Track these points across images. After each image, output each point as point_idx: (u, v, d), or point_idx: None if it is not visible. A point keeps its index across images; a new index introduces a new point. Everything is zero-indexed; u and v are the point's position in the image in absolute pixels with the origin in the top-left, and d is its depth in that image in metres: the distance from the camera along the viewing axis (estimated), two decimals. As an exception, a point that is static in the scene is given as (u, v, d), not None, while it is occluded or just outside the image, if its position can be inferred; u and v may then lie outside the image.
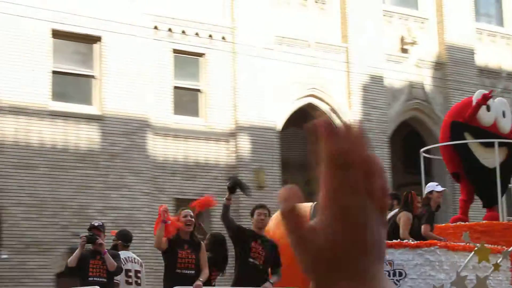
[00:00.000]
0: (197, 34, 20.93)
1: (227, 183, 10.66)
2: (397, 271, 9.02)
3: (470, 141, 11.55)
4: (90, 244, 10.45)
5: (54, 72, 19.17)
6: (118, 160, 18.94)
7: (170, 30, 20.76)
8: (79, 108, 19.47)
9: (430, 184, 12.10)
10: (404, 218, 10.17)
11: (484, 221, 11.32)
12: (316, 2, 22.88)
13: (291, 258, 10.73)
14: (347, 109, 22.23)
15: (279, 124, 21.08)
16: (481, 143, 11.80)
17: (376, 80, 22.74)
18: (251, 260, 9.81)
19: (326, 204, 1.11)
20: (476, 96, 12.11)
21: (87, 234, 10.43)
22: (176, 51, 20.30)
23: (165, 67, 20.41)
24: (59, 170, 18.46)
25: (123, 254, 11.11)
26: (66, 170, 18.41)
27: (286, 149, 21.63)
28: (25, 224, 17.89)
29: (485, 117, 11.77)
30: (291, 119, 21.35)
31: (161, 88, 20.27)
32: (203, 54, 21.15)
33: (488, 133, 11.68)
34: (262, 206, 10.65)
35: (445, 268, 8.87)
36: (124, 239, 11.34)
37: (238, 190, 10.68)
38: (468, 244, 9.28)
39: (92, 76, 19.86)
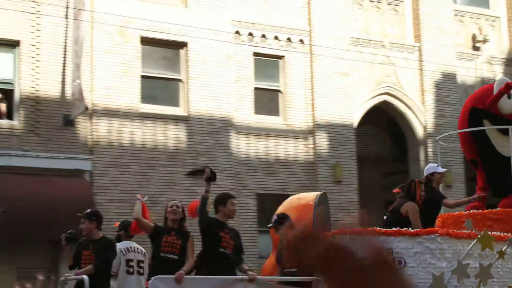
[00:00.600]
0: (276, 37, 20.94)
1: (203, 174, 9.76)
2: (396, 259, 8.34)
3: (484, 127, 10.73)
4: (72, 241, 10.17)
5: (143, 77, 19.42)
6: (203, 158, 18.94)
7: (250, 34, 20.72)
8: (167, 110, 19.56)
9: (430, 165, 11.59)
10: (412, 211, 9.52)
11: (498, 209, 10.49)
12: (390, 4, 22.76)
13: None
14: (421, 106, 22.07)
15: (355, 121, 21.04)
16: (500, 131, 10.95)
17: (449, 78, 22.53)
18: (221, 249, 9.19)
19: None
20: (498, 84, 11.37)
21: (66, 234, 10.06)
22: (256, 54, 20.42)
23: (246, 69, 20.45)
24: (149, 168, 18.70)
25: (124, 244, 10.72)
26: (156, 168, 18.62)
27: (362, 145, 21.61)
28: (119, 219, 18.08)
29: (505, 104, 10.95)
30: (367, 116, 21.33)
31: (242, 89, 20.30)
32: (282, 56, 21.15)
33: (508, 121, 10.88)
34: (234, 196, 10.02)
35: (447, 256, 8.28)
36: (126, 229, 10.89)
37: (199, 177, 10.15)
38: (471, 231, 8.63)
39: (179, 80, 19.98)
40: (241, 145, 19.47)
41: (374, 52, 21.68)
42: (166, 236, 9.26)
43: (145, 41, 19.38)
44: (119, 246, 10.81)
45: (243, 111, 19.95)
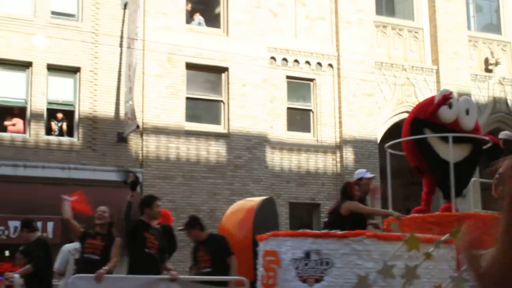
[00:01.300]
0: (307, 62, 20.99)
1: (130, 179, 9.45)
2: (324, 260, 7.92)
3: (425, 135, 10.02)
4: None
5: (188, 98, 19.54)
6: (241, 170, 19.18)
7: (284, 59, 20.80)
8: (209, 128, 19.69)
9: (359, 171, 11.12)
10: (354, 205, 9.01)
11: (437, 213, 10.00)
12: (410, 31, 22.90)
13: (239, 248, 9.08)
14: (438, 123, 21.61)
15: (378, 137, 21.12)
16: (442, 139, 10.20)
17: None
18: (147, 250, 8.82)
19: (502, 235, 1.46)
20: (439, 95, 10.80)
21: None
22: (289, 77, 20.57)
23: (281, 91, 20.60)
24: (193, 179, 18.88)
25: (73, 245, 10.28)
26: (198, 179, 18.75)
27: (384, 159, 21.12)
28: (166, 226, 18.28)
29: (446, 114, 10.24)
30: (389, 132, 21.27)
31: (277, 109, 20.46)
32: (313, 79, 21.22)
33: (448, 129, 10.20)
34: (159, 198, 9.73)
35: (374, 257, 7.74)
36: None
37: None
38: (400, 234, 8.21)
39: (220, 101, 20.13)
40: (275, 159, 19.67)
41: (396, 75, 21.77)
42: (91, 239, 9.09)
43: (190, 66, 19.47)
44: (68, 247, 10.56)
45: (277, 128, 20.08)
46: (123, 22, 19.17)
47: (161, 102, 19.01)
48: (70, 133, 18.66)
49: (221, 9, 20.68)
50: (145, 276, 9.00)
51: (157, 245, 8.79)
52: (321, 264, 7.98)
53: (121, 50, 18.91)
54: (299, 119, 20.61)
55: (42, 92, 18.32)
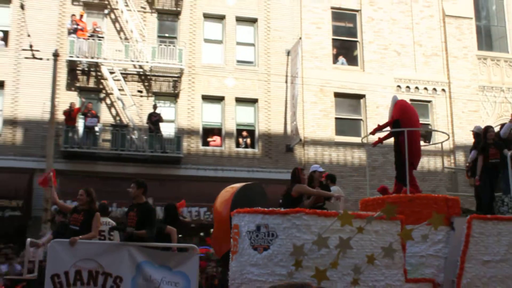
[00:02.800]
0: (425, 88, 22.70)
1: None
2: (270, 232, 8.20)
3: (403, 129, 10.21)
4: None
5: (337, 118, 21.71)
6: (378, 170, 20.84)
7: (407, 87, 22.70)
8: (352, 139, 21.65)
9: (314, 165, 11.11)
10: (302, 188, 9.00)
11: (393, 194, 10.12)
12: (506, 61, 23.98)
13: (221, 223, 9.74)
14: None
15: None
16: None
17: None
18: (129, 228, 8.86)
19: None
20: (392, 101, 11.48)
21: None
22: (412, 100, 20.96)
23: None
24: (342, 178, 18.98)
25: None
26: (346, 178, 20.24)
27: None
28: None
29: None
30: None
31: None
32: (430, 101, 22.84)
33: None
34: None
35: (313, 231, 7.83)
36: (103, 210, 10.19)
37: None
38: (338, 212, 8.23)
39: (360, 119, 22.28)
40: (403, 161, 21.21)
41: (495, 95, 23.15)
42: (76, 214, 9.05)
43: (337, 95, 21.89)
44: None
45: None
46: (287, 65, 21.89)
47: (316, 122, 21.42)
48: (252, 145, 21.25)
49: (358, 52, 22.86)
50: (108, 242, 9.60)
51: (135, 221, 8.77)
52: (268, 235, 8.18)
53: (286, 85, 21.54)
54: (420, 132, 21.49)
55: (232, 117, 21.04)
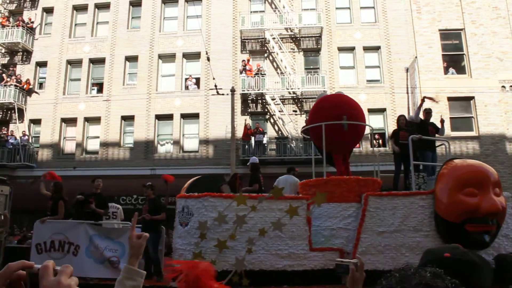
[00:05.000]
0: None
1: None
2: (190, 212, 8.84)
3: (339, 121, 10.20)
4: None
5: (451, 117, 23.67)
6: (489, 158, 22.67)
7: (511, 86, 23.75)
8: (466, 134, 23.51)
9: (252, 157, 12.08)
10: (226, 189, 10.02)
11: (313, 178, 10.33)
12: None
13: None
14: None
15: None
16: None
17: None
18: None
19: None
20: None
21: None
22: None
23: (511, 106, 23.42)
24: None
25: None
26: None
27: None
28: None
29: None
30: None
31: (509, 117, 23.19)
32: None
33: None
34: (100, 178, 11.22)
35: (219, 210, 8.17)
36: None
37: None
38: (232, 193, 9.24)
39: (471, 117, 23.95)
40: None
41: None
42: (50, 201, 10.53)
43: (450, 99, 23.55)
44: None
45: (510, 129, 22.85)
46: (406, 79, 24.27)
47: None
48: (384, 145, 23.73)
49: (465, 62, 24.52)
50: (71, 221, 10.53)
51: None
52: (188, 214, 8.82)
53: (408, 95, 23.94)
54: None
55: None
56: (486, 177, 8.30)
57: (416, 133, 10.98)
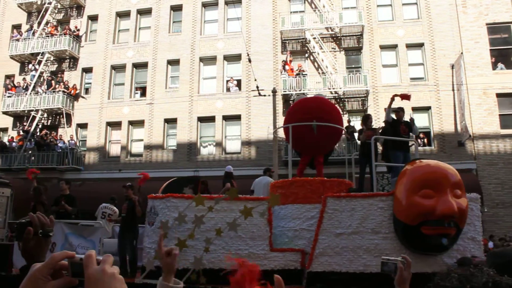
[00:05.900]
0: None
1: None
2: (156, 211, 9.34)
3: (310, 123, 10.58)
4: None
5: (500, 115, 23.17)
6: None
7: None
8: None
9: (227, 166, 12.92)
10: (188, 193, 10.42)
11: (281, 180, 10.77)
12: None
13: None
14: None
15: None
16: None
17: None
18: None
19: None
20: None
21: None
22: None
23: None
24: (509, 165, 22.10)
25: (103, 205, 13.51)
26: None
27: None
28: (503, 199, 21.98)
29: None
30: None
31: None
32: None
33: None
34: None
35: (180, 210, 8.37)
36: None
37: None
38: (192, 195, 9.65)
39: None
40: None
41: None
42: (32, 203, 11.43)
43: (499, 95, 23.23)
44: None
45: None
46: (452, 76, 23.97)
47: (482, 120, 23.02)
48: (429, 144, 23.55)
49: None
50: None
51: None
52: (154, 214, 9.28)
53: (453, 92, 23.62)
54: None
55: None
56: (444, 178, 8.01)
57: (389, 133, 11.05)
